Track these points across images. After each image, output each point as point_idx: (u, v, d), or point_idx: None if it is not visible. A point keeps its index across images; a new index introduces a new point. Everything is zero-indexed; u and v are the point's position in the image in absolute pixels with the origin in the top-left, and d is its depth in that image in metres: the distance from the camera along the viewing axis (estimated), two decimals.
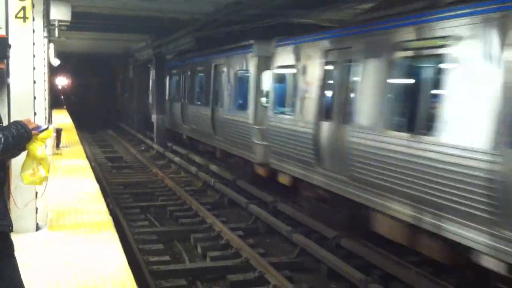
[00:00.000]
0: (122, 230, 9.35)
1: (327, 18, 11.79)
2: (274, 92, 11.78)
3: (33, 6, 6.49)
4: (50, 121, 15.49)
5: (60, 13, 11.27)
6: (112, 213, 9.06)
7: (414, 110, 7.34)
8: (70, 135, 18.63)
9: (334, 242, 8.95)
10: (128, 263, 5.85)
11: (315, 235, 9.59)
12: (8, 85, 6.19)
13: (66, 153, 14.64)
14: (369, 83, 8.19)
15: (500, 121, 5.73)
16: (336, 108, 9.16)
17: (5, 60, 3.50)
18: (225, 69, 14.91)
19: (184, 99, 19.62)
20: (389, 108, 7.70)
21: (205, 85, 17.02)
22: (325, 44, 9.61)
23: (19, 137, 3.17)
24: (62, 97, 34.24)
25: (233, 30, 13.83)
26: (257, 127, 12.28)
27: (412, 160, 7.01)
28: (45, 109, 11.35)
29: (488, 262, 6.04)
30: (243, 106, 13.47)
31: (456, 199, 6.31)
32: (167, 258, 8.63)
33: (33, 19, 6.58)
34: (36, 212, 6.80)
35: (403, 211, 7.34)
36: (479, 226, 6.03)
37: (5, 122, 3.58)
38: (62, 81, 39.12)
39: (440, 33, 6.79)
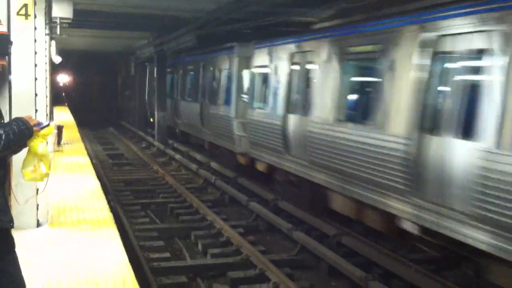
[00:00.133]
0: (122, 227, 9.38)
1: (327, 16, 11.85)
2: (252, 89, 13.08)
3: (35, 3, 6.50)
4: (51, 118, 15.49)
5: (62, 11, 11.27)
6: (113, 210, 9.07)
7: (356, 105, 9.10)
8: (71, 132, 18.65)
9: (335, 240, 8.97)
10: (129, 260, 5.86)
11: (316, 233, 9.61)
12: (10, 82, 6.20)
13: (67, 150, 14.66)
14: (323, 82, 9.62)
15: (413, 113, 7.17)
16: (299, 103, 10.65)
17: (6, 57, 3.50)
18: (211, 68, 16.43)
19: (177, 96, 21.22)
20: (338, 103, 9.14)
21: (195, 83, 18.47)
22: (292, 47, 11.00)
23: (20, 133, 3.17)
24: (64, 94, 34.29)
25: (234, 28, 13.83)
26: (238, 121, 13.54)
27: (354, 146, 8.38)
28: (47, 106, 11.33)
29: (407, 226, 7.43)
30: (227, 102, 14.65)
31: (386, 176, 7.64)
32: (167, 255, 8.65)
33: (35, 17, 6.58)
34: (37, 208, 6.81)
35: (351, 189, 8.65)
36: (399, 197, 7.38)
37: (7, 119, 3.60)
38: (64, 79, 39.16)
39: (374, 41, 8.26)
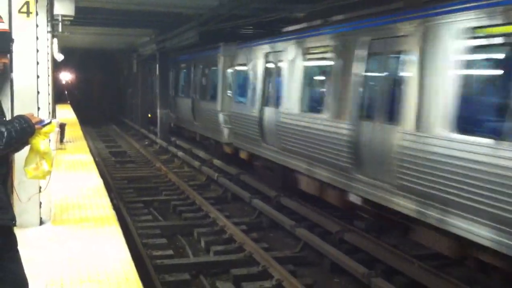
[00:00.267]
0: (125, 224, 9.38)
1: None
2: (235, 85, 14.63)
3: (36, 1, 6.49)
4: (54, 116, 15.51)
5: (63, 8, 11.26)
6: (116, 207, 9.07)
7: (315, 97, 10.52)
8: (74, 130, 18.65)
9: (338, 237, 8.96)
10: (132, 257, 5.86)
11: (318, 230, 9.60)
12: (12, 80, 6.19)
13: (70, 148, 14.67)
14: (290, 77, 10.96)
15: (354, 104, 8.61)
16: (272, 96, 12.07)
17: (8, 55, 3.49)
18: (201, 66, 18.08)
19: (171, 92, 22.50)
20: (301, 96, 10.63)
21: (187, 80, 20.10)
22: (266, 47, 12.43)
23: (22, 131, 3.17)
24: (66, 92, 34.32)
25: (238, 25, 13.84)
26: (223, 114, 14.98)
27: (314, 132, 9.76)
28: (49, 104, 11.35)
29: (352, 198, 8.86)
30: (214, 97, 16.08)
31: (337, 157, 8.99)
32: (170, 252, 8.66)
33: (37, 14, 6.57)
34: (40, 206, 6.81)
35: (313, 170, 10.00)
36: (347, 174, 8.79)
37: (8, 117, 3.59)
38: (66, 76, 39.20)
39: (325, 43, 9.75)
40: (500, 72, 6.55)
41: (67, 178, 10.20)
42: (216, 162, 15.89)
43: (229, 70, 14.93)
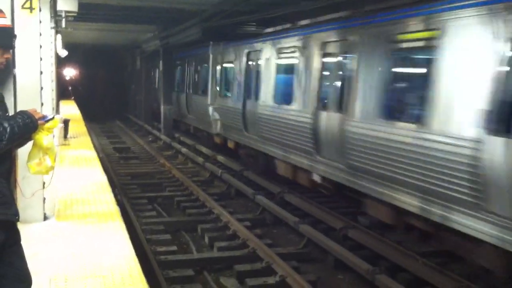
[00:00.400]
0: (129, 220, 9.38)
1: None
2: (222, 80, 16.24)
3: None
4: (58, 112, 15.52)
5: (67, 4, 11.23)
6: (120, 203, 9.07)
7: (285, 91, 11.69)
8: (78, 126, 18.67)
9: (341, 233, 8.95)
10: (136, 253, 5.86)
11: (322, 226, 9.59)
12: (15, 76, 6.19)
13: (74, 143, 14.68)
14: (267, 74, 12.55)
15: (314, 97, 10.16)
16: (253, 90, 13.44)
17: (10, 50, 3.48)
18: (194, 63, 19.82)
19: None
20: (274, 90, 12.15)
21: (182, 76, 21.75)
22: (248, 47, 13.97)
23: (24, 127, 3.16)
24: (70, 88, 34.34)
25: (241, 20, 13.79)
26: (213, 107, 16.38)
27: (285, 122, 11.20)
28: (53, 99, 11.36)
29: (315, 177, 10.41)
30: (205, 92, 17.55)
31: (303, 143, 10.40)
32: (174, 248, 8.65)
33: (40, 10, 6.56)
34: (44, 202, 6.82)
35: (287, 156, 11.40)
36: (310, 157, 10.31)
37: (11, 112, 3.59)
38: (70, 72, 39.23)
39: (293, 44, 11.20)
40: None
41: (71, 174, 10.21)
42: (220, 158, 15.89)
43: (218, 67, 16.42)
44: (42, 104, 6.55)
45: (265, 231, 9.78)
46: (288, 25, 11.82)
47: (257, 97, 12.96)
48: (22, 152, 3.67)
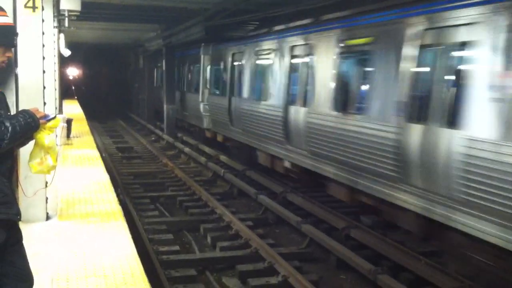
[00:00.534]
0: (132, 220, 9.38)
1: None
2: (212, 79, 17.70)
3: None
4: (60, 111, 15.53)
5: (70, 3, 11.21)
6: (122, 203, 9.07)
7: (261, 88, 13.22)
8: (81, 125, 18.66)
9: (344, 233, 8.94)
10: (138, 252, 5.85)
11: (324, 226, 9.58)
12: (16, 75, 6.18)
13: (76, 143, 14.68)
14: (247, 72, 14.00)
15: (284, 93, 11.72)
16: (237, 88, 14.87)
17: (12, 49, 3.47)
18: (187, 63, 21.42)
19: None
20: (252, 87, 13.72)
21: (178, 76, 23.02)
22: (233, 49, 15.41)
23: (26, 126, 3.16)
24: (73, 87, 34.39)
25: (244, 20, 13.80)
26: (203, 103, 17.60)
27: (261, 115, 12.70)
28: (55, 99, 11.37)
29: (286, 164, 11.81)
30: (197, 90, 18.82)
31: (277, 134, 11.86)
32: (176, 248, 8.66)
33: (43, 9, 6.55)
34: (46, 201, 6.81)
35: (265, 146, 12.81)
36: (282, 146, 11.74)
37: (13, 111, 3.59)
38: (73, 72, 39.28)
39: (268, 47, 12.77)
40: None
41: (74, 173, 10.20)
42: (223, 158, 15.89)
43: (208, 67, 17.92)
44: (44, 103, 6.53)
45: (267, 231, 9.77)
46: (265, 30, 13.48)
47: (240, 94, 14.44)
48: (24, 151, 3.67)
